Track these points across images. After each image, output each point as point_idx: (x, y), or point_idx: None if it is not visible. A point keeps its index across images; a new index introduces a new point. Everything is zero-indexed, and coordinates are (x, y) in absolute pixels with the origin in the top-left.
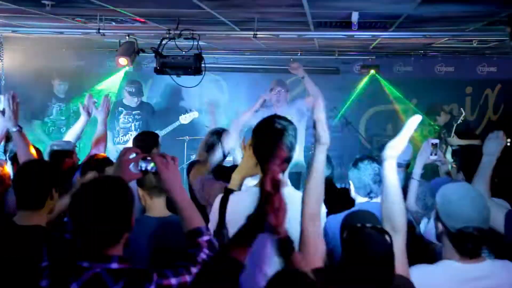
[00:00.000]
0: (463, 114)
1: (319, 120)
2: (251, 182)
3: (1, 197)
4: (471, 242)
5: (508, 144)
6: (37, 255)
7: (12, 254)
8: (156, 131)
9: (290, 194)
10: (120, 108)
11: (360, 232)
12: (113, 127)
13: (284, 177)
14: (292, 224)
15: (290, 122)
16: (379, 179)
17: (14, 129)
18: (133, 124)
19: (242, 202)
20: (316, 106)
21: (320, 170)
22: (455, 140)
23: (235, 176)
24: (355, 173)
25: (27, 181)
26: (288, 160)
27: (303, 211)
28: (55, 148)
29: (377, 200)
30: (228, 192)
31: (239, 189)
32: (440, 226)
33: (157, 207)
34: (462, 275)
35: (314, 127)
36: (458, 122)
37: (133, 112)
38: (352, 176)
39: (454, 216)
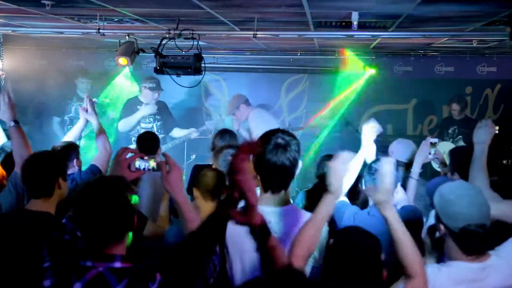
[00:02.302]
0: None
1: (332, 168)
2: None
3: None
4: (475, 240)
5: (497, 132)
6: (44, 239)
7: (21, 235)
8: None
9: (291, 212)
10: (138, 106)
11: (346, 233)
12: (129, 125)
13: (287, 195)
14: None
15: (294, 137)
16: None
17: (11, 124)
18: (154, 125)
19: None
20: (335, 156)
21: (320, 222)
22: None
23: None
24: (370, 178)
25: (34, 171)
26: (291, 175)
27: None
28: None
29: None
30: None
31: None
32: (442, 227)
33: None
34: (469, 275)
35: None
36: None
37: (154, 112)
38: (367, 180)
39: (455, 215)
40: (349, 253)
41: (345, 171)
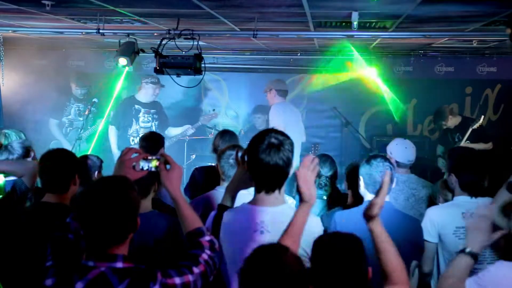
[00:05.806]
0: (482, 118)
1: (300, 176)
2: (244, 197)
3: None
4: None
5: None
6: (58, 225)
7: (37, 223)
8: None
9: (285, 211)
10: (136, 106)
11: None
12: (128, 125)
13: (282, 194)
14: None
15: (287, 137)
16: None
17: None
18: (153, 124)
19: (236, 221)
20: (303, 161)
21: (297, 233)
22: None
23: (228, 190)
24: (367, 169)
25: (53, 166)
26: (285, 175)
27: None
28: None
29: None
30: (221, 209)
31: (232, 204)
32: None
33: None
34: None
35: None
36: (474, 127)
37: (151, 111)
38: (363, 172)
39: None
40: (332, 260)
41: (314, 176)
